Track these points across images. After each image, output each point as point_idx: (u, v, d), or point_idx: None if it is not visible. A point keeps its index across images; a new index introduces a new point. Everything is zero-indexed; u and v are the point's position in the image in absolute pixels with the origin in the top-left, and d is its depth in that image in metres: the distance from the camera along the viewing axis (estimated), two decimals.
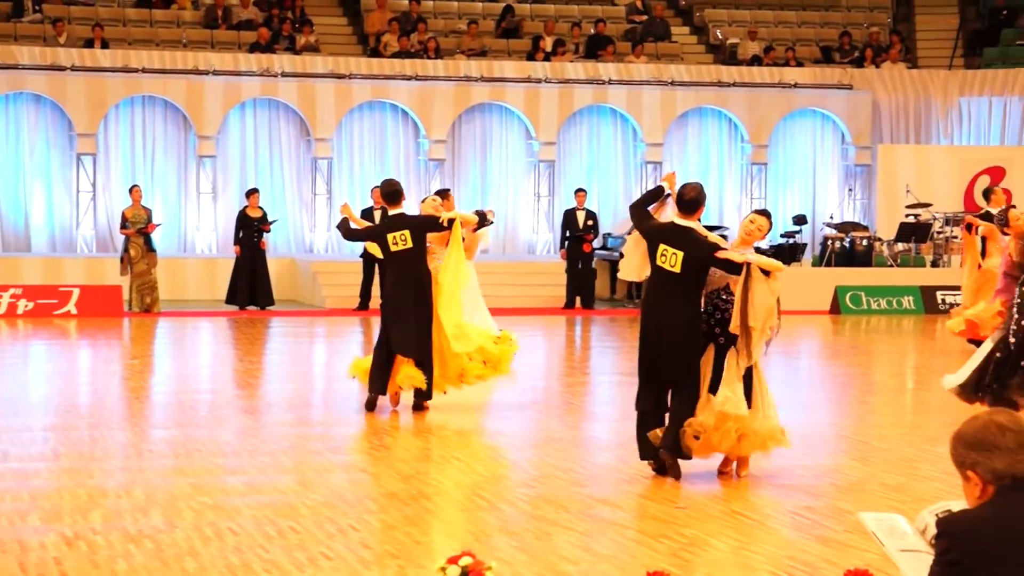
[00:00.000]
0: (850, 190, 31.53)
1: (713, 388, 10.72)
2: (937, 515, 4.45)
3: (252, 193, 25.97)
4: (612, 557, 8.54)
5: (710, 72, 31.36)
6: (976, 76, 32.34)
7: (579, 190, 27.50)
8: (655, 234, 10.85)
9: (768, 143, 31.13)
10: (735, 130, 31.18)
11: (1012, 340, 13.16)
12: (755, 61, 31.88)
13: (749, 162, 31.17)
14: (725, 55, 32.68)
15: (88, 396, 15.87)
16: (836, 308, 26.69)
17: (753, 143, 30.99)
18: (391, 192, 14.35)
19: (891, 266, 28.36)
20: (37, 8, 29.53)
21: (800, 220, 29.78)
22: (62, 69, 27.83)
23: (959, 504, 4.42)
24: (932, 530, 4.42)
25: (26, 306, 23.88)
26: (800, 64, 32.08)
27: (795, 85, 31.31)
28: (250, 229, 25.49)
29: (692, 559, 8.50)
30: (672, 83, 30.66)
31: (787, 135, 31.57)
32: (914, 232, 28.52)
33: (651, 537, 9.02)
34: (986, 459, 4.18)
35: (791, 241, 29.21)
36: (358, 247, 21.83)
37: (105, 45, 28.69)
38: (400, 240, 13.91)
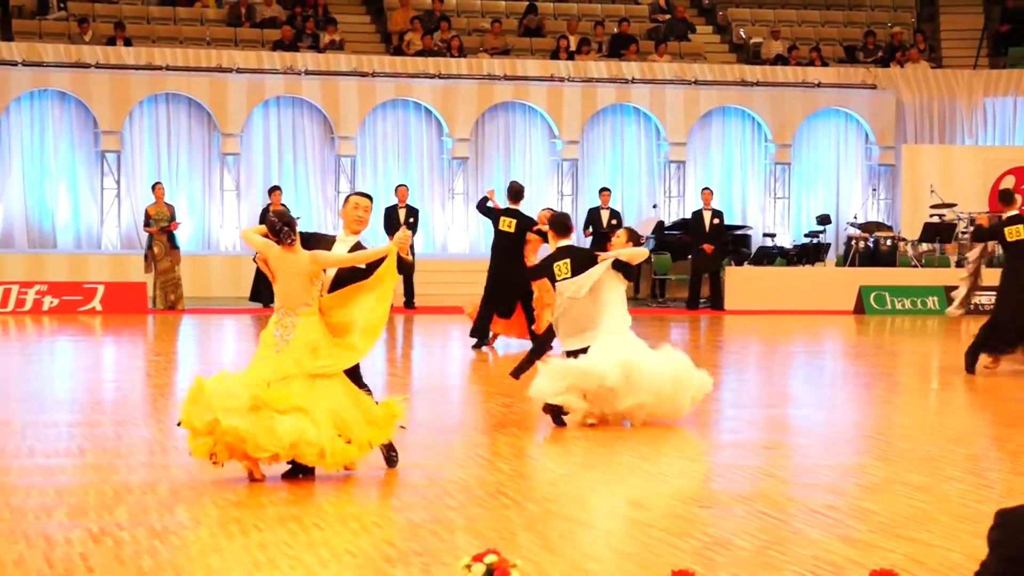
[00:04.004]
0: (874, 190, 31.46)
1: None
2: None
3: (275, 190, 26.01)
4: (636, 555, 8.53)
5: (733, 71, 31.33)
6: (1001, 76, 32.24)
7: (603, 189, 27.50)
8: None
9: (792, 142, 31.07)
10: (758, 129, 31.14)
11: None
12: (779, 60, 31.83)
13: (772, 162, 31.13)
14: (748, 54, 32.64)
15: (113, 392, 15.91)
16: (860, 308, 26.63)
17: (776, 142, 30.94)
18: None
19: (915, 266, 28.29)
20: (62, 6, 29.63)
21: (824, 220, 29.73)
22: (87, 67, 27.92)
23: None
24: None
25: (51, 303, 23.97)
26: (824, 63, 32.01)
27: (819, 84, 31.26)
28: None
29: (716, 558, 8.48)
30: (695, 82, 30.63)
31: (811, 135, 31.51)
32: (938, 232, 28.45)
33: (675, 536, 9.01)
34: None
35: (815, 241, 29.18)
36: (382, 243, 21.88)
37: (129, 43, 28.77)
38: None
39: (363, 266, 10.66)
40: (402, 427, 10.92)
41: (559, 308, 13.56)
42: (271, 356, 10.31)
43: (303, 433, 10.06)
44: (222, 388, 10.18)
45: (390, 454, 10.93)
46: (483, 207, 20.31)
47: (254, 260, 11.42)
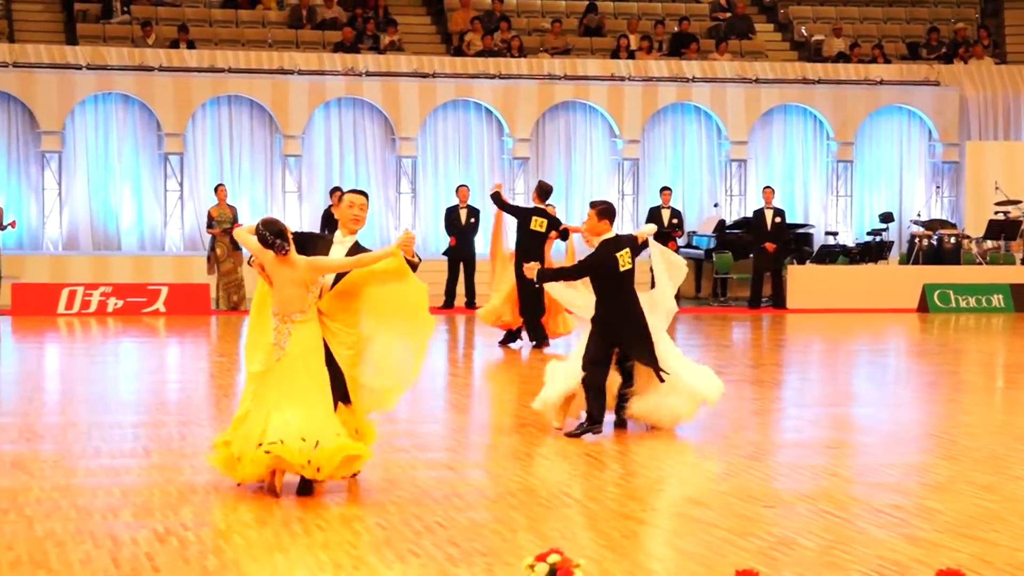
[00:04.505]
0: (937, 187, 31.23)
1: None
2: None
3: (335, 192, 26.10)
4: (699, 555, 8.51)
5: (795, 69, 31.18)
6: None
7: (664, 188, 27.43)
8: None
9: (854, 140, 30.89)
10: (820, 127, 30.98)
11: None
12: (840, 58, 31.66)
13: (835, 160, 30.96)
14: (810, 52, 32.49)
15: (177, 393, 16.02)
16: (924, 306, 26.45)
17: (838, 140, 30.77)
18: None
19: (980, 264, 28.07)
20: (125, 10, 29.85)
21: (887, 218, 29.54)
22: (150, 70, 28.12)
23: None
24: None
25: (116, 304, 24.15)
26: (887, 61, 31.81)
27: (881, 82, 31.06)
28: (334, 228, 25.57)
29: (780, 558, 8.45)
30: (756, 80, 30.51)
31: (873, 132, 31.31)
32: (1003, 229, 28.23)
33: (738, 536, 8.98)
34: None
35: (878, 239, 29.01)
36: (443, 244, 22.03)
37: (192, 45, 28.96)
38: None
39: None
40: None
41: (663, 317, 13.23)
42: (272, 367, 9.98)
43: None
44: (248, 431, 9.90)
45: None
46: (505, 205, 20.21)
47: (249, 263, 10.92)
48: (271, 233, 9.89)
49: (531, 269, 12.94)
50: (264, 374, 10.06)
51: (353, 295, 10.18)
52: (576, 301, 13.09)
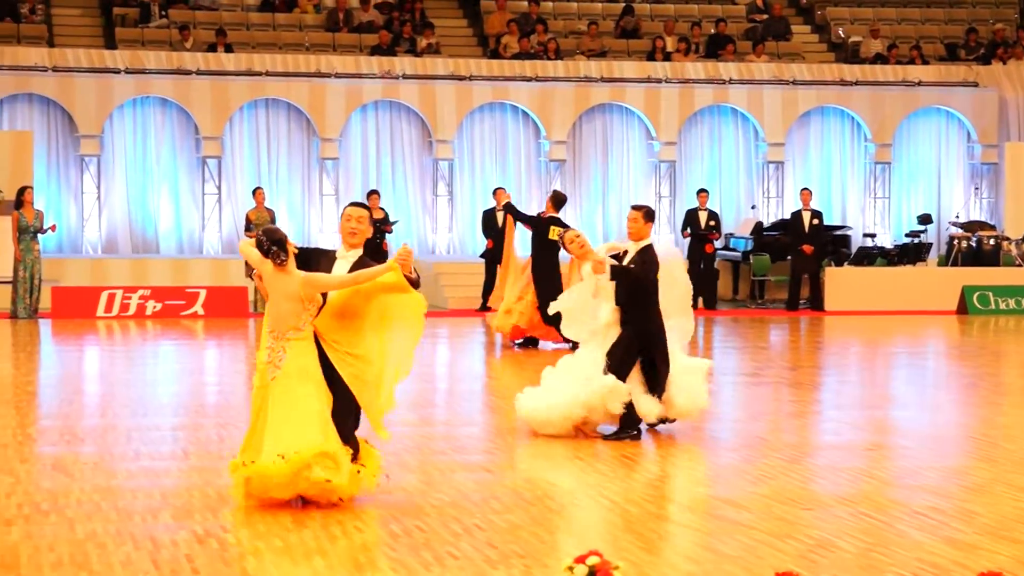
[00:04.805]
0: (976, 188, 31.10)
1: None
2: None
3: (372, 194, 26.20)
4: (738, 558, 8.50)
5: (832, 71, 31.10)
6: None
7: (701, 190, 27.41)
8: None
9: (892, 142, 30.78)
10: (858, 129, 30.88)
11: None
12: (878, 59, 31.55)
13: (872, 161, 30.86)
14: (847, 53, 32.38)
15: (215, 396, 16.08)
16: (963, 308, 26.34)
17: (876, 142, 30.67)
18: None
19: (1019, 265, 27.94)
20: (163, 14, 30.00)
21: (925, 219, 29.43)
22: (187, 73, 28.25)
23: None
24: None
25: (154, 307, 24.26)
26: (925, 62, 31.68)
27: (919, 83, 30.95)
28: (372, 230, 25.66)
29: (819, 560, 8.44)
30: (793, 82, 30.44)
31: (911, 134, 31.20)
32: None
33: (777, 538, 8.97)
34: None
35: (916, 241, 28.90)
36: (480, 247, 22.10)
37: (229, 49, 29.06)
38: None
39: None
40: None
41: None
42: (267, 387, 9.66)
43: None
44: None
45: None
46: (521, 216, 20.60)
47: (249, 276, 10.69)
48: (269, 240, 9.60)
49: (600, 266, 12.62)
50: (260, 391, 9.76)
51: (355, 315, 9.81)
52: (582, 318, 12.88)
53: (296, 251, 9.78)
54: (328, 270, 9.87)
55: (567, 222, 20.31)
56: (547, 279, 19.64)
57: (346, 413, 9.82)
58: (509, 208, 20.77)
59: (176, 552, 8.54)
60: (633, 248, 12.67)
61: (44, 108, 28.00)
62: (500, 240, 25.11)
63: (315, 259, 9.98)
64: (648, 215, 12.76)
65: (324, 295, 9.79)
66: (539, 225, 19.95)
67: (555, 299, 19.16)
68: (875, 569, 8.27)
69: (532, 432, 12.68)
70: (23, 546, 8.60)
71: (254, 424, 9.80)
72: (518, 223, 20.64)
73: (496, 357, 20.14)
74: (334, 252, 10.08)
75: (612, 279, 12.49)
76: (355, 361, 9.75)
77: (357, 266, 9.87)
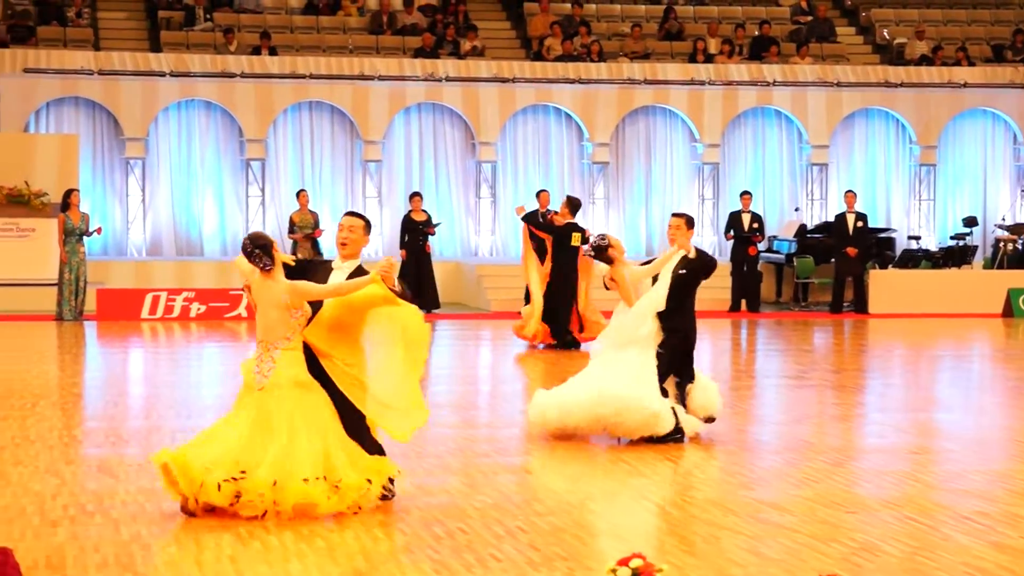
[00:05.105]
0: (1023, 191, 30.90)
1: None
2: None
3: (415, 197, 26.25)
4: (782, 561, 8.47)
5: (876, 72, 30.96)
6: None
7: (744, 193, 27.34)
8: None
9: (937, 144, 30.63)
10: (903, 131, 30.74)
11: None
12: (923, 61, 31.39)
13: (918, 163, 30.71)
14: (892, 55, 32.23)
15: None
16: (1009, 311, 26.18)
17: (921, 144, 30.52)
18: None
19: None
20: (208, 17, 30.13)
21: (970, 222, 29.28)
22: (232, 76, 28.36)
23: None
24: None
25: (199, 309, 24.37)
26: (971, 63, 31.50)
27: (965, 85, 30.77)
28: (415, 233, 25.77)
29: (864, 564, 8.40)
30: (838, 84, 30.32)
31: (957, 136, 31.03)
32: None
33: (821, 541, 8.93)
34: None
35: (961, 243, 28.74)
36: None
37: (273, 52, 29.16)
38: None
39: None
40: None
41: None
42: (253, 396, 9.52)
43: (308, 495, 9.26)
44: (205, 460, 9.32)
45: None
46: (540, 224, 20.91)
47: (239, 290, 10.56)
48: (253, 245, 9.43)
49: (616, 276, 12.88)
50: (244, 399, 9.65)
51: (350, 328, 9.66)
52: (635, 322, 12.87)
53: (293, 263, 9.70)
54: (324, 281, 9.74)
55: (582, 225, 21.21)
56: (563, 282, 20.35)
57: (357, 427, 9.72)
58: (527, 218, 21.09)
59: (220, 553, 8.57)
60: (676, 256, 12.86)
61: (90, 111, 28.16)
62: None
63: (311, 270, 9.88)
64: (690, 223, 12.99)
65: (315, 306, 9.67)
66: (558, 231, 20.30)
67: (567, 301, 19.82)
68: (920, 573, 8.22)
69: (571, 435, 12.63)
70: (68, 547, 8.65)
71: (222, 424, 9.65)
72: (533, 231, 20.99)
73: (538, 357, 20.13)
74: (330, 263, 9.97)
75: (686, 272, 12.80)
76: (349, 370, 9.64)
77: (354, 276, 9.75)
